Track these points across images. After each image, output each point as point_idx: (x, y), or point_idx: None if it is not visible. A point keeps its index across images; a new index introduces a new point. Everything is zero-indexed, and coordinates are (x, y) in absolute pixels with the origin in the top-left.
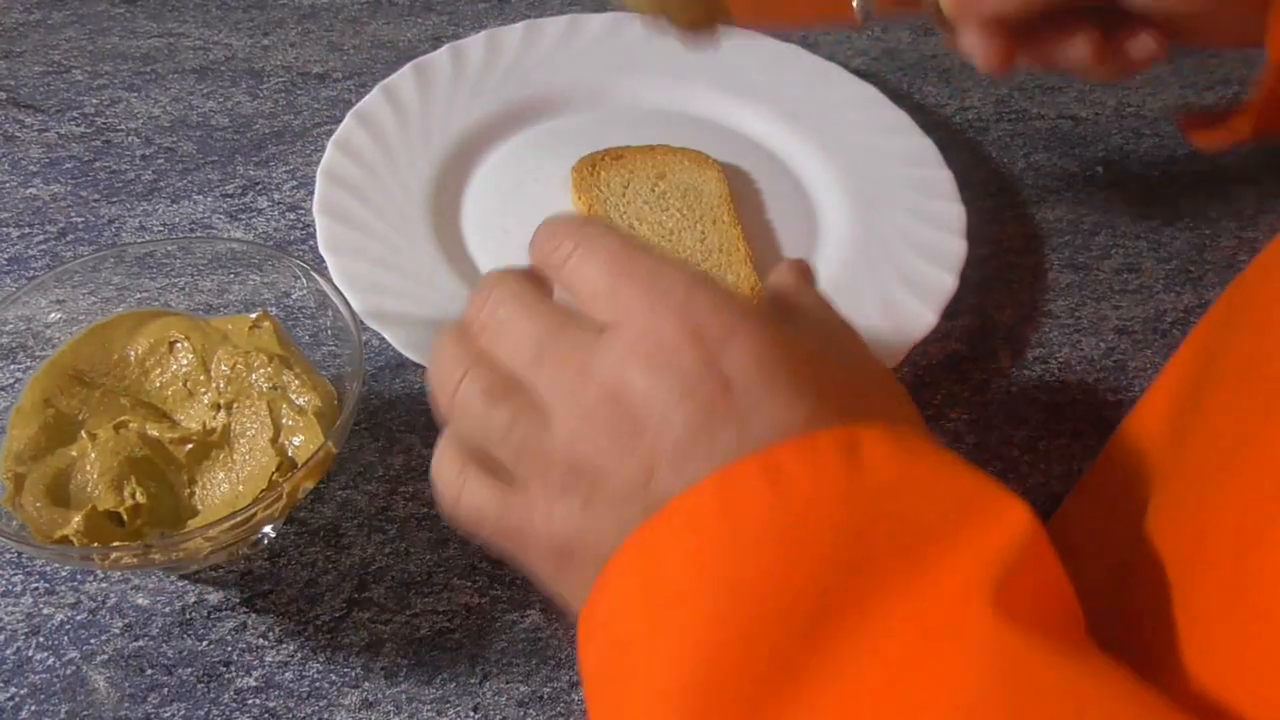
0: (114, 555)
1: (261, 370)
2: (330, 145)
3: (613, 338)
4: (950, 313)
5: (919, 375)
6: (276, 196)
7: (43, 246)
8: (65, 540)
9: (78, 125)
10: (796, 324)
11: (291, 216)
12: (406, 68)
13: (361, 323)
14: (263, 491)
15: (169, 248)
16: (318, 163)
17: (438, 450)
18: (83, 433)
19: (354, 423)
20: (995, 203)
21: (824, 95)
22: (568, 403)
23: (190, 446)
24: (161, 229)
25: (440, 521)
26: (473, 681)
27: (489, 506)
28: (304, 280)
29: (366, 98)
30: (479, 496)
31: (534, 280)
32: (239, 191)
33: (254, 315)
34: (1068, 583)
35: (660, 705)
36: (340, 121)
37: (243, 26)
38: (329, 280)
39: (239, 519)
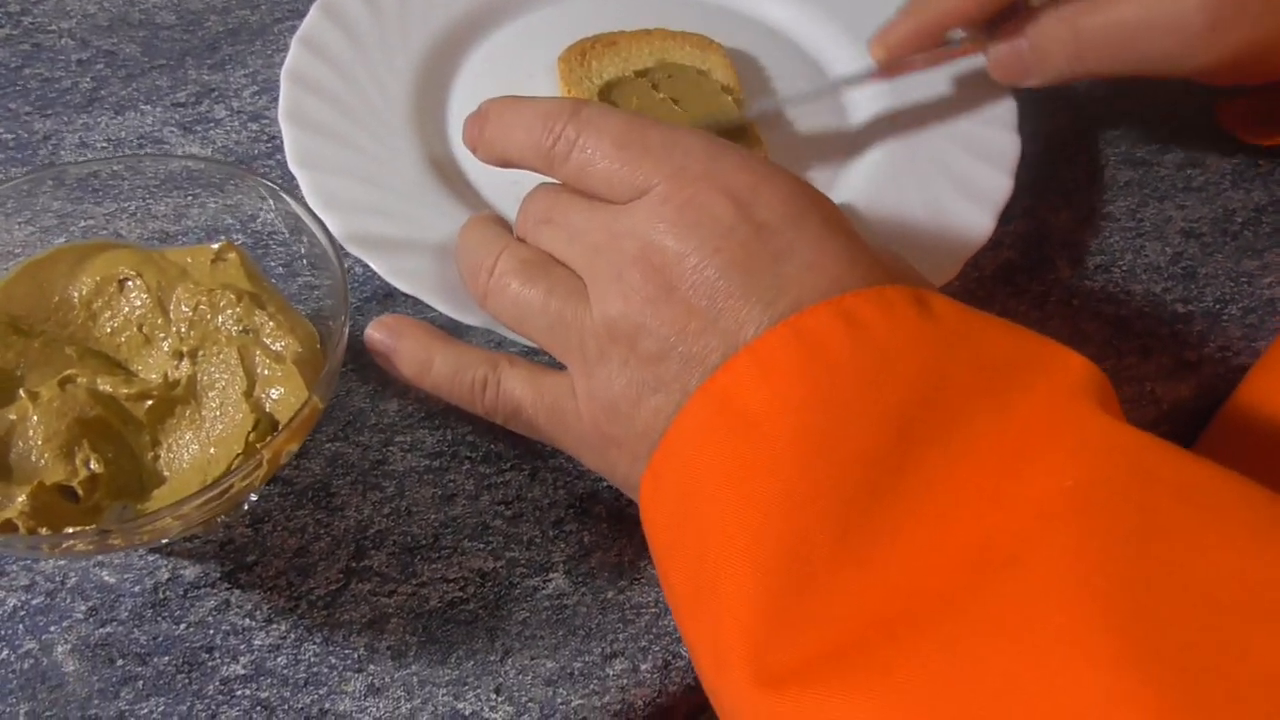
0: (67, 543)
1: (229, 311)
2: (295, 43)
3: (638, 205)
4: (1002, 217)
5: (969, 288)
6: (236, 104)
7: None
8: (8, 525)
9: (1, 27)
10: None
11: (254, 127)
12: None
13: (342, 249)
14: (238, 456)
15: (115, 167)
16: (280, 64)
17: (466, 350)
18: (21, 392)
19: (341, 365)
20: (1046, 93)
21: None
22: (599, 272)
23: (150, 403)
24: (105, 145)
25: (445, 475)
26: (492, 659)
27: (525, 389)
28: (272, 202)
29: None
30: (514, 381)
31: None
32: (192, 100)
33: (216, 245)
34: None
35: (748, 536)
36: (304, 16)
37: None
38: (301, 201)
39: (213, 493)
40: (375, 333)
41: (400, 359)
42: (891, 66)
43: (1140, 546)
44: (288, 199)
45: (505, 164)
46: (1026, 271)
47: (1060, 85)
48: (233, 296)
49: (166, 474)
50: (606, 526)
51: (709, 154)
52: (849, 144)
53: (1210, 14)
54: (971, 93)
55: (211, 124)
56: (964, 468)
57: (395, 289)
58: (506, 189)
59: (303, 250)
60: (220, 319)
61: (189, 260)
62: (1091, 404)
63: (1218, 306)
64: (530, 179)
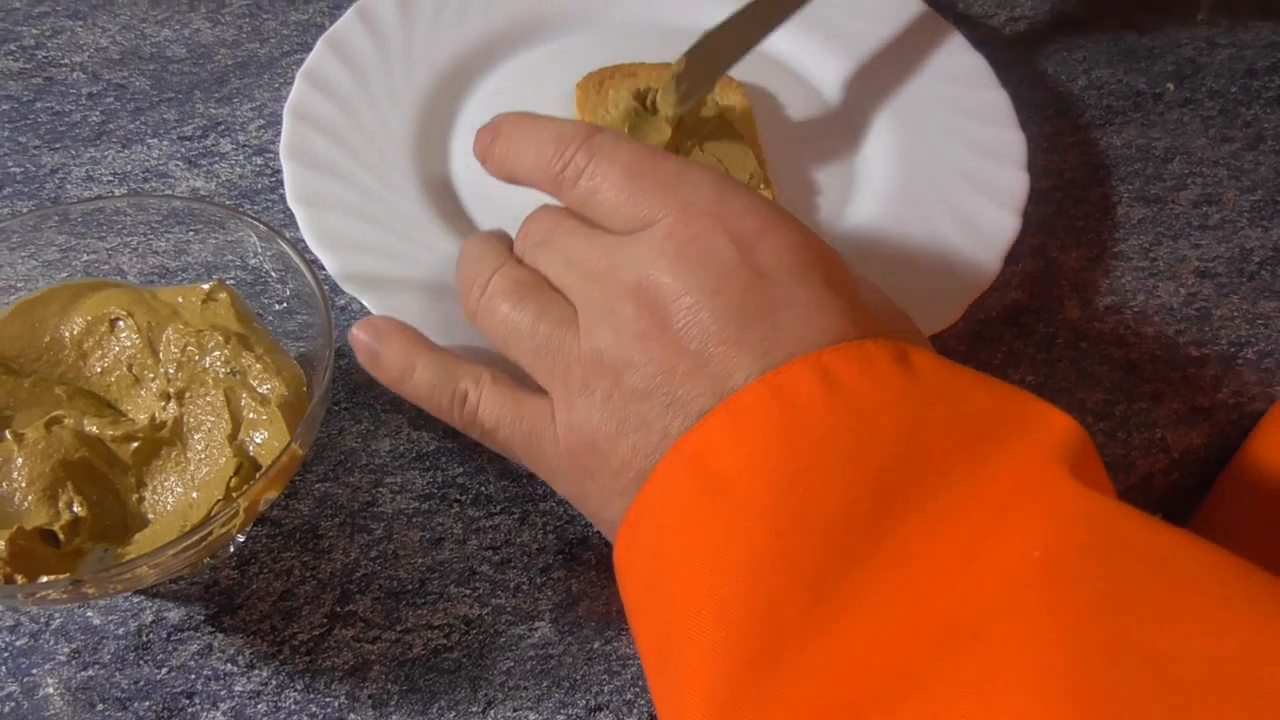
0: (41, 592)
1: (218, 352)
2: (299, 78)
3: (640, 237)
4: (1010, 256)
5: (975, 330)
6: (241, 138)
7: None
8: None
9: (15, 60)
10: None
11: (259, 161)
12: None
13: (332, 290)
14: (219, 502)
15: (117, 204)
16: (286, 97)
17: (450, 362)
18: (7, 433)
19: (333, 403)
20: (1054, 127)
21: (859, 7)
22: (592, 300)
23: (136, 445)
24: (111, 179)
25: (434, 518)
26: (474, 710)
27: (504, 409)
28: (261, 243)
29: (339, 22)
30: (493, 398)
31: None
32: (198, 133)
33: (207, 286)
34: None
35: (716, 603)
36: (311, 49)
37: None
38: (290, 242)
39: (190, 542)
40: (360, 333)
41: (382, 363)
42: None
43: (1107, 620)
44: (278, 240)
45: (512, 181)
46: (1035, 313)
47: None
48: (221, 338)
49: (150, 516)
50: (595, 574)
51: (717, 192)
52: (856, 178)
53: None
54: (981, 128)
55: (216, 158)
56: (938, 533)
57: None
58: (507, 224)
59: (291, 291)
60: (208, 360)
61: (180, 300)
62: (1066, 469)
63: (1232, 350)
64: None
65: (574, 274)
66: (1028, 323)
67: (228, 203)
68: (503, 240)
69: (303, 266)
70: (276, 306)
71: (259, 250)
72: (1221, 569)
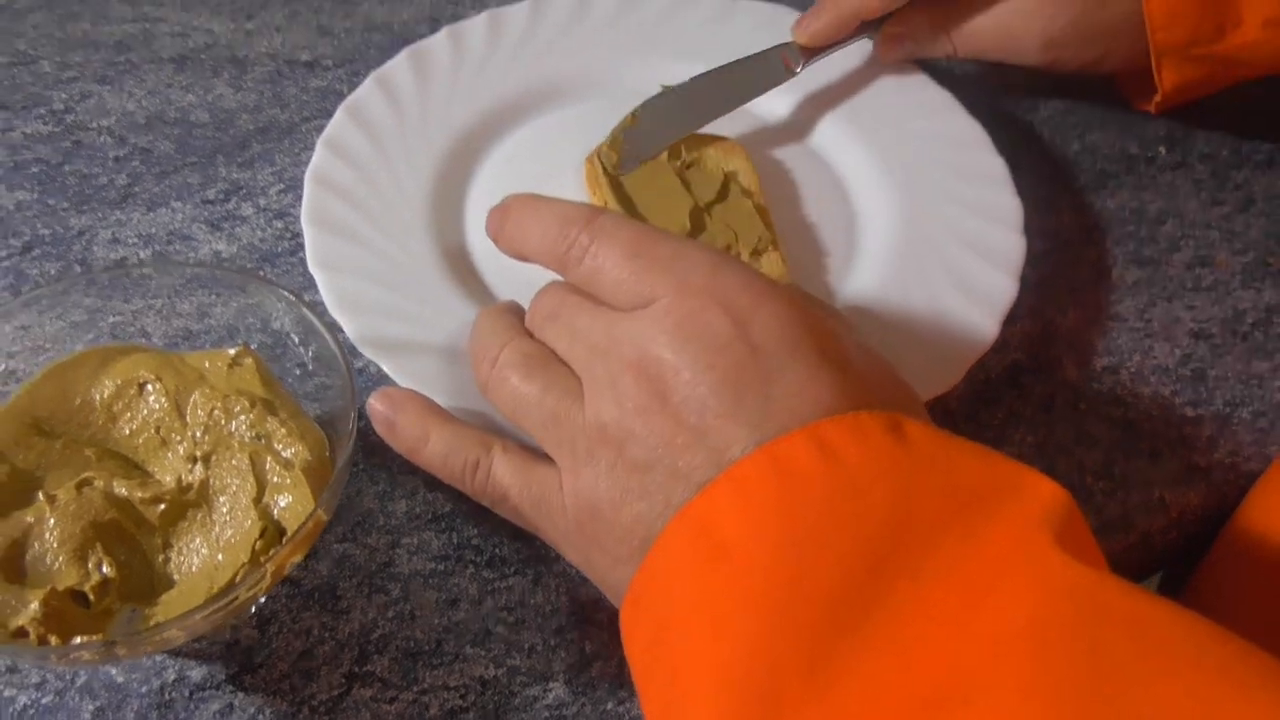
0: (74, 654)
1: (243, 416)
2: (320, 144)
3: (640, 314)
4: (1009, 318)
5: (976, 390)
6: (262, 202)
7: (6, 264)
8: (20, 632)
9: (45, 124)
10: (821, 310)
11: (279, 225)
12: (402, 54)
13: (352, 353)
14: (244, 566)
15: (143, 270)
16: (307, 162)
17: (463, 431)
18: (39, 495)
19: (352, 465)
20: (1049, 190)
21: (859, 73)
22: (596, 374)
23: (164, 506)
24: (136, 241)
25: (450, 579)
26: None
27: (514, 477)
28: (284, 306)
29: (359, 89)
30: (504, 467)
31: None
32: (221, 197)
33: (233, 351)
34: (1106, 565)
35: (718, 669)
36: (331, 115)
37: (224, 9)
38: (310, 306)
39: (218, 605)
40: (377, 404)
41: (398, 432)
42: (813, 49)
43: (1089, 686)
44: (299, 304)
45: (522, 259)
46: (1033, 373)
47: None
48: (246, 403)
49: (176, 577)
50: (607, 636)
51: (713, 270)
52: (860, 241)
53: (1043, 40)
54: (979, 193)
55: (238, 221)
56: (930, 601)
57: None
58: (520, 289)
59: (313, 354)
60: (234, 424)
61: (207, 365)
62: (1052, 538)
63: (1228, 410)
64: (542, 279)
65: (580, 348)
66: (1027, 383)
67: (248, 267)
68: (514, 313)
69: (324, 330)
70: (296, 369)
71: (280, 313)
72: (1200, 636)
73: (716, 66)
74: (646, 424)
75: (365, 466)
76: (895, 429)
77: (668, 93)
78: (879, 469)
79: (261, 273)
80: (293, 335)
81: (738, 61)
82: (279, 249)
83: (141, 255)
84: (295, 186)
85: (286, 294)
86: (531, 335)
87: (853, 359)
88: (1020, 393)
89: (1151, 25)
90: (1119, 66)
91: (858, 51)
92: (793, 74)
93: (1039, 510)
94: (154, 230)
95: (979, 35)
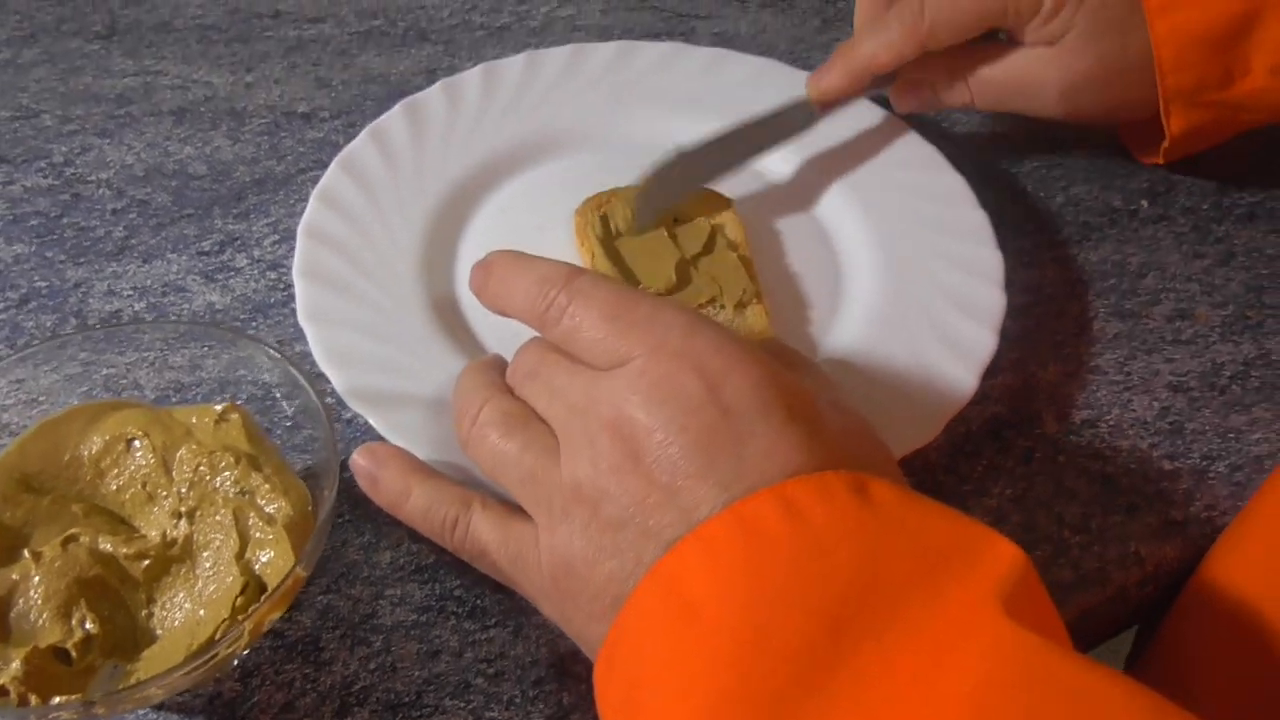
0: (54, 714)
1: (228, 472)
2: (313, 198)
3: (617, 374)
4: (989, 371)
5: (956, 443)
6: (256, 253)
7: (2, 317)
8: (1, 691)
9: (45, 177)
10: (795, 370)
11: (272, 276)
12: (397, 108)
13: (337, 408)
14: (224, 622)
15: (128, 330)
16: (301, 213)
17: (444, 487)
18: (25, 551)
19: (338, 516)
20: (1033, 242)
21: (845, 126)
22: (572, 433)
23: (148, 562)
24: (131, 293)
25: (431, 630)
26: None
27: (493, 534)
28: (269, 362)
29: (353, 143)
30: (483, 524)
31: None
32: (216, 249)
33: (219, 407)
34: (1061, 623)
35: None
36: (326, 166)
37: (224, 62)
38: (294, 361)
39: (198, 663)
40: (360, 459)
41: (381, 488)
42: (826, 105)
43: None
44: (283, 360)
45: (503, 315)
46: (1014, 426)
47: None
48: (231, 459)
49: (159, 632)
50: (585, 688)
51: (687, 332)
52: (844, 293)
53: (1061, 88)
54: (961, 247)
55: (232, 273)
56: (891, 664)
57: None
58: (508, 340)
59: (299, 408)
60: (219, 479)
61: (194, 420)
62: (1004, 606)
63: (1204, 464)
64: (530, 330)
65: (558, 406)
66: (1008, 436)
67: (241, 318)
68: (496, 369)
69: (308, 386)
70: (286, 421)
71: (269, 367)
72: (1139, 708)
73: (728, 126)
74: (620, 483)
75: (351, 517)
76: (861, 489)
77: (680, 154)
78: (844, 529)
79: (254, 324)
80: (281, 387)
81: (751, 120)
82: (272, 300)
83: (136, 308)
84: (290, 238)
85: (271, 351)
86: (513, 392)
87: (824, 419)
88: (1000, 445)
89: (1161, 70)
90: (1136, 114)
91: (845, 106)
92: (807, 129)
93: (998, 574)
94: (149, 282)
95: (996, 84)
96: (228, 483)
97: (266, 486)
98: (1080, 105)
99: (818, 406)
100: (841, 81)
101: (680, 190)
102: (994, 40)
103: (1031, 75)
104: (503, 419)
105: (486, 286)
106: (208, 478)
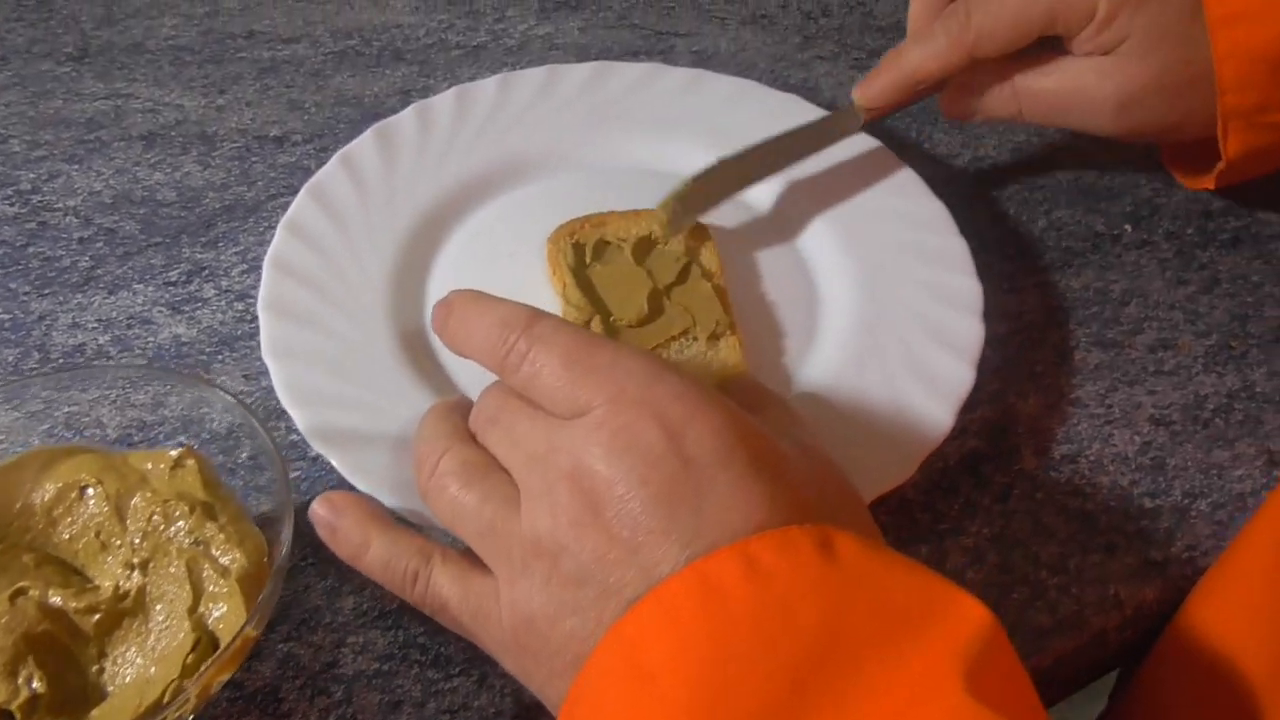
0: None
1: (182, 522)
2: (280, 227)
3: (576, 423)
4: (968, 404)
5: (933, 479)
6: (224, 283)
7: None
8: None
9: (11, 205)
10: (761, 416)
11: (240, 307)
12: (368, 133)
13: (306, 444)
14: (174, 682)
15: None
16: (270, 242)
17: (403, 539)
18: None
19: (299, 559)
20: (1014, 267)
21: (826, 151)
22: (532, 484)
23: (99, 616)
24: (96, 326)
25: (394, 679)
26: None
27: (452, 588)
28: (225, 406)
29: (323, 170)
30: (443, 578)
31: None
32: (183, 279)
33: (175, 452)
34: (1031, 685)
35: None
36: (297, 191)
37: (196, 84)
38: (249, 409)
39: None
40: (319, 509)
41: (339, 539)
42: (873, 113)
43: None
44: (239, 406)
45: (464, 356)
46: (992, 461)
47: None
48: (186, 508)
49: (110, 689)
50: None
51: (648, 379)
52: (820, 321)
53: (1118, 101)
54: (940, 275)
55: (199, 304)
56: None
57: None
58: (479, 375)
59: (258, 447)
60: (173, 529)
61: (149, 466)
62: (963, 675)
63: (1186, 501)
64: None
65: (518, 455)
66: (986, 472)
67: (208, 351)
68: (459, 413)
69: (261, 431)
70: (249, 461)
71: (230, 406)
72: None
73: (771, 135)
74: (579, 538)
75: (314, 560)
76: (825, 545)
77: (722, 161)
78: (807, 586)
79: (221, 357)
80: (242, 428)
81: (795, 129)
82: (239, 332)
83: (101, 341)
84: (257, 267)
85: (226, 396)
86: (475, 438)
87: (790, 467)
88: (978, 481)
89: (1222, 88)
90: (1199, 131)
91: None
92: (853, 134)
93: (961, 637)
94: (115, 314)
95: (1047, 96)
96: (182, 532)
97: (221, 536)
98: (1138, 120)
99: (783, 453)
100: (888, 90)
101: (718, 195)
102: (1048, 49)
103: (1085, 87)
104: (461, 469)
105: (446, 326)
106: (161, 527)
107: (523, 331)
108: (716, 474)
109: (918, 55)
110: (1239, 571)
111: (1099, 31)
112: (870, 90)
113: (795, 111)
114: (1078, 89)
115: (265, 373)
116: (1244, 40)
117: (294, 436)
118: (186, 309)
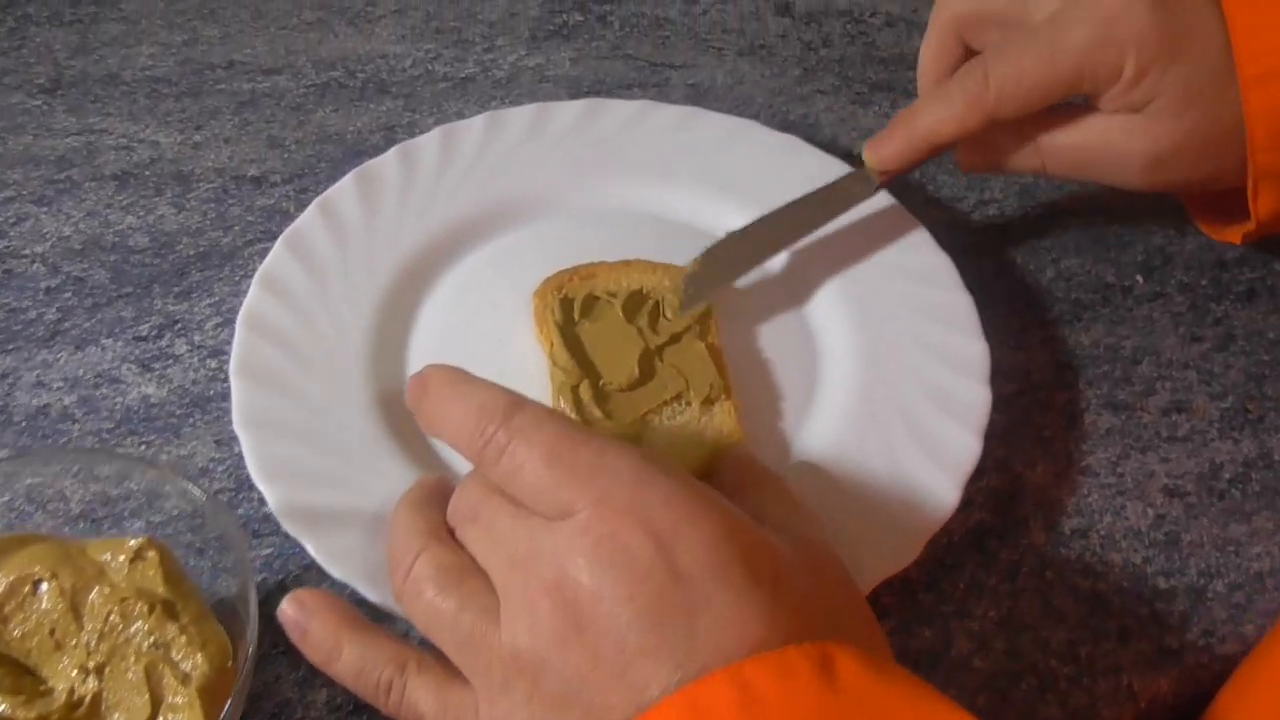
0: None
1: (141, 622)
2: (255, 282)
3: (559, 528)
4: (975, 473)
5: (938, 556)
6: (197, 338)
7: None
8: None
9: None
10: (756, 497)
11: (213, 364)
12: (348, 177)
13: (271, 526)
14: None
15: (43, 454)
16: (246, 292)
17: (377, 644)
18: None
19: (270, 647)
20: (1022, 321)
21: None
22: (512, 592)
23: None
24: (61, 385)
25: None
26: None
27: (430, 701)
28: (190, 491)
29: (301, 218)
30: (419, 690)
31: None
32: (154, 333)
33: (135, 542)
34: None
35: None
36: (275, 237)
37: (173, 119)
38: (212, 498)
39: None
40: (289, 609)
41: (309, 642)
42: (885, 174)
43: None
44: (202, 496)
45: (440, 440)
46: (999, 535)
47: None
48: (145, 607)
49: None
50: None
51: (636, 483)
52: (819, 384)
53: (1147, 160)
54: (944, 334)
55: (170, 360)
56: None
57: None
58: None
59: (220, 530)
60: (132, 628)
61: (108, 557)
62: None
63: (1202, 581)
64: None
65: (498, 557)
66: (992, 547)
67: (178, 413)
68: (435, 502)
69: (225, 519)
70: (216, 540)
71: (189, 495)
72: None
73: (781, 205)
74: (562, 655)
75: (285, 649)
76: (825, 666)
77: (730, 235)
78: (803, 714)
79: (192, 420)
80: (208, 507)
81: (806, 196)
82: (211, 392)
83: (66, 401)
84: (233, 320)
85: (186, 484)
86: (453, 532)
87: (789, 575)
88: (984, 558)
89: (1254, 147)
90: (1229, 184)
91: (823, 172)
92: (866, 199)
93: None
94: (81, 372)
95: (1073, 151)
96: (141, 633)
97: (183, 639)
98: (1167, 177)
99: (781, 558)
100: (903, 153)
101: (731, 272)
102: (1071, 104)
103: (1113, 144)
104: (438, 573)
105: (421, 407)
106: (120, 627)
107: (502, 423)
108: (710, 589)
109: (933, 117)
110: (1267, 675)
111: (1128, 90)
112: (882, 153)
113: (794, 152)
114: (1105, 145)
115: (236, 438)
116: (1277, 99)
117: (267, 509)
118: (157, 366)
